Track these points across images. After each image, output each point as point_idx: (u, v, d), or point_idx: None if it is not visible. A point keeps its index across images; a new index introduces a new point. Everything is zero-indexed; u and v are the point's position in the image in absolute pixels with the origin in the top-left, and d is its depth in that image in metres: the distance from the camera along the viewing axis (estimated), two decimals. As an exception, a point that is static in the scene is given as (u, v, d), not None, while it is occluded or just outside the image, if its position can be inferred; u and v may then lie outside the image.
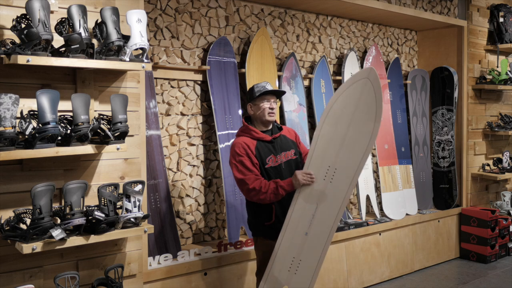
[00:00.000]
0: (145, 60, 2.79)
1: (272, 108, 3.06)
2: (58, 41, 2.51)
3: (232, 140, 3.89)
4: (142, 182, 2.73)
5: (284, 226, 2.98)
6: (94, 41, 2.68)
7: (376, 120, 2.90)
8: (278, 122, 3.28)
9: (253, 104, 3.10)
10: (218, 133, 3.83)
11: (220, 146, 3.82)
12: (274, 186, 2.91)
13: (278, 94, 3.15)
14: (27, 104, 2.54)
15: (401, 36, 5.57)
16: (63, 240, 2.42)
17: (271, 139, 3.07)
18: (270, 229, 3.06)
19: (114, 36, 2.58)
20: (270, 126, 3.14)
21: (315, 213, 2.96)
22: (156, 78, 3.67)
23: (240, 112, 3.98)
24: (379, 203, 5.03)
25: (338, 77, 4.78)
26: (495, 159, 5.73)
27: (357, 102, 2.92)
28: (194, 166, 3.91)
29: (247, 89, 4.01)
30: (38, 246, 2.36)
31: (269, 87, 3.07)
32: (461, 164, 5.53)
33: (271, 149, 3.06)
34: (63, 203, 2.50)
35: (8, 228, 2.42)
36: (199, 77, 3.89)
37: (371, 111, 2.91)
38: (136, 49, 2.69)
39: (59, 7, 2.66)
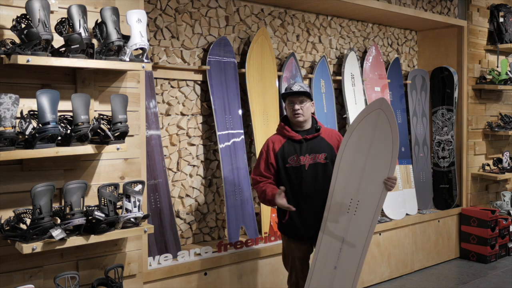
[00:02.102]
0: (145, 60, 2.80)
1: (295, 109, 3.04)
2: (58, 41, 2.51)
3: (231, 140, 3.89)
4: (142, 182, 2.73)
5: (313, 261, 2.99)
6: (94, 41, 2.68)
7: (393, 150, 2.91)
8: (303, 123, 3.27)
9: (285, 104, 3.15)
10: (218, 133, 3.83)
11: (220, 146, 3.82)
12: (263, 196, 3.02)
13: (299, 94, 3.05)
14: (27, 104, 2.54)
15: (401, 36, 5.57)
16: (63, 240, 2.42)
17: (300, 139, 3.07)
18: (286, 227, 3.13)
19: (114, 36, 2.58)
20: (307, 127, 3.12)
21: (342, 247, 2.97)
22: (156, 78, 3.67)
23: (240, 112, 3.98)
24: (379, 203, 5.03)
25: (338, 77, 4.78)
26: (495, 159, 5.73)
27: (372, 133, 2.94)
28: (194, 166, 3.91)
29: (247, 89, 4.03)
30: (38, 246, 2.36)
31: (295, 87, 3.05)
32: (461, 164, 5.53)
33: (297, 149, 3.06)
34: (63, 203, 2.50)
35: (8, 228, 2.42)
36: (199, 77, 3.89)
37: (387, 141, 2.92)
38: (136, 49, 2.69)
39: (59, 7, 2.66)
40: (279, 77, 4.28)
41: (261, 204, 4.02)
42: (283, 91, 4.23)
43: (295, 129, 3.11)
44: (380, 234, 4.70)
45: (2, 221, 2.43)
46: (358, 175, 2.96)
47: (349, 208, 2.96)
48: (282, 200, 2.93)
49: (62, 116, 2.56)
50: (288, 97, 3.08)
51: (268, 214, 4.04)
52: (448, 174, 5.49)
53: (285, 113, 3.21)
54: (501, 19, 5.64)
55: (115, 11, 2.62)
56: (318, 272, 2.99)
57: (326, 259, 2.99)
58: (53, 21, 2.53)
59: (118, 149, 2.62)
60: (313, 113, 3.18)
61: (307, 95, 3.07)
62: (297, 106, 3.04)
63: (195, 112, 3.91)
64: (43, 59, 2.36)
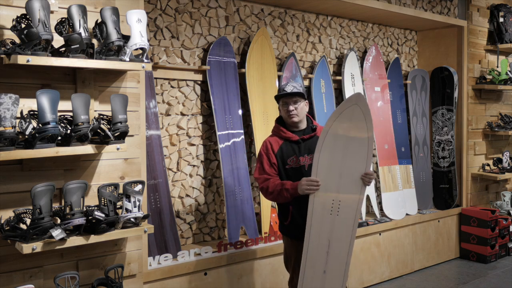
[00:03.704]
0: (145, 60, 2.79)
1: (290, 110, 3.03)
2: (58, 41, 2.51)
3: (231, 140, 3.89)
4: (142, 182, 2.73)
5: (302, 267, 2.96)
6: (94, 41, 2.68)
7: (369, 144, 2.90)
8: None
9: (279, 105, 3.13)
10: (218, 133, 3.83)
11: (220, 146, 3.82)
12: (279, 188, 2.94)
13: (292, 95, 3.03)
14: (27, 104, 2.54)
15: (401, 36, 5.57)
16: (63, 240, 2.42)
17: (297, 139, 3.05)
18: (288, 228, 3.12)
19: (114, 36, 2.58)
20: (303, 126, 3.11)
21: (329, 250, 2.94)
22: (156, 78, 3.67)
23: (240, 112, 3.98)
24: (379, 203, 5.03)
25: (338, 77, 4.78)
26: (495, 159, 5.73)
27: (348, 130, 2.91)
28: (194, 166, 3.91)
29: (247, 89, 4.03)
30: (38, 246, 2.36)
31: (288, 88, 3.03)
32: (461, 164, 5.53)
33: (295, 150, 3.04)
34: (63, 203, 2.50)
35: (8, 228, 2.42)
36: (199, 77, 3.89)
37: (362, 136, 2.90)
38: (136, 49, 2.69)
39: (59, 7, 2.66)
40: (279, 77, 4.28)
41: (261, 204, 4.02)
42: (283, 91, 4.24)
43: (291, 130, 3.10)
44: (380, 234, 4.70)
45: (2, 221, 2.43)
46: (337, 175, 2.92)
47: (331, 209, 2.93)
48: (307, 179, 2.86)
49: (62, 116, 2.56)
50: (282, 98, 3.07)
51: (268, 214, 4.04)
52: (448, 174, 5.49)
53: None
54: (501, 19, 5.64)
55: (115, 11, 2.62)
56: (308, 278, 2.95)
57: (315, 264, 2.95)
58: (53, 21, 2.53)
59: (118, 149, 2.62)
60: (308, 113, 3.17)
61: (300, 95, 3.06)
62: (291, 107, 3.03)
63: (195, 112, 3.91)
64: (43, 59, 2.36)
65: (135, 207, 2.66)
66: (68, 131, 2.51)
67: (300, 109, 3.05)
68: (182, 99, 3.84)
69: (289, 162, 3.03)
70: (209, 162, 4.00)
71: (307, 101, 3.13)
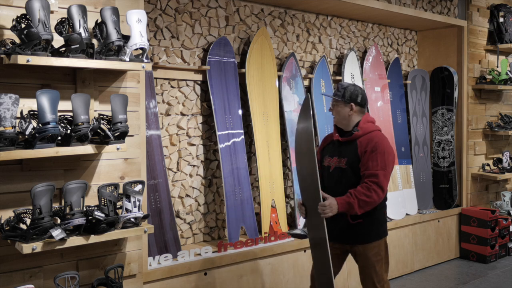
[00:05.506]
0: (145, 60, 2.79)
1: (330, 110, 3.13)
2: (58, 41, 2.51)
3: (231, 140, 3.89)
4: (142, 182, 2.73)
5: None
6: (94, 41, 2.68)
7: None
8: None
9: None
10: (218, 133, 3.82)
11: (220, 146, 3.82)
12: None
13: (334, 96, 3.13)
14: (27, 104, 2.55)
15: (401, 36, 5.57)
16: (63, 240, 2.42)
17: (333, 140, 3.13)
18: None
19: (114, 36, 2.58)
20: (348, 129, 3.07)
21: None
22: (156, 78, 3.67)
23: (240, 112, 3.98)
24: (379, 203, 5.03)
25: (338, 77, 4.78)
26: (495, 159, 5.73)
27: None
28: (194, 166, 3.91)
29: (247, 89, 4.03)
30: (38, 246, 2.36)
31: (334, 90, 3.13)
32: (461, 164, 5.53)
33: (330, 150, 3.12)
34: (63, 203, 2.50)
35: (8, 228, 2.42)
36: (199, 77, 3.89)
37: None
38: (136, 49, 2.69)
39: (59, 7, 2.66)
40: (279, 77, 4.28)
41: (261, 204, 4.02)
42: (283, 91, 4.25)
43: (340, 130, 3.13)
44: (380, 234, 4.69)
45: (2, 221, 2.43)
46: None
47: None
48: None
49: (62, 116, 2.56)
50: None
51: (268, 214, 4.04)
52: (448, 174, 5.49)
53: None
54: (501, 19, 5.64)
55: (115, 11, 2.62)
56: None
57: None
58: (53, 21, 2.53)
59: (118, 149, 2.62)
60: (368, 118, 3.11)
61: (339, 98, 3.06)
62: (331, 107, 3.14)
63: (195, 112, 3.91)
64: (43, 59, 2.36)
65: (135, 207, 2.66)
66: (68, 131, 2.51)
67: (336, 111, 3.09)
68: (182, 99, 3.84)
69: (324, 160, 3.13)
70: (209, 162, 4.00)
71: (352, 104, 3.02)
